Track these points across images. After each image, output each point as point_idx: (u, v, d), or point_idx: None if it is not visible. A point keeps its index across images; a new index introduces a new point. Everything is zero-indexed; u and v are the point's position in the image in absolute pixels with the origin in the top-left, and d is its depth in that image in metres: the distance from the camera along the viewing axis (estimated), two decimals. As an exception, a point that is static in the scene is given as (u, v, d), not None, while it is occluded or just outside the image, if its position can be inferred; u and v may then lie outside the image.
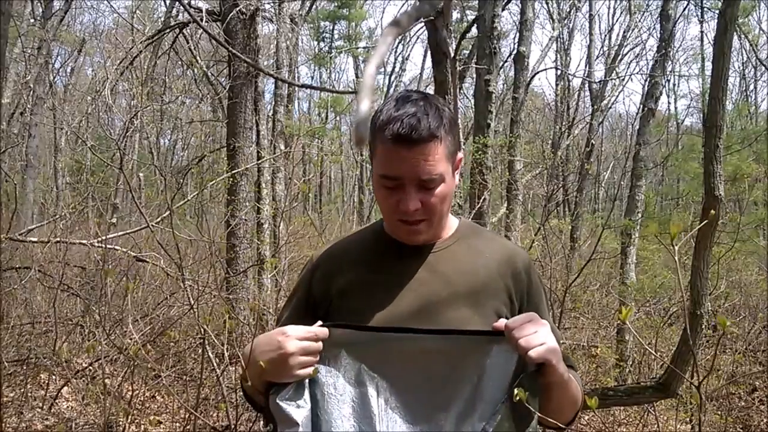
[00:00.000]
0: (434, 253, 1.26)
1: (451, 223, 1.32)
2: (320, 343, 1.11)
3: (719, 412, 4.55)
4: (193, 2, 8.37)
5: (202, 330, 3.04)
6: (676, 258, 1.20)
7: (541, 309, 1.27)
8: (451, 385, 1.11)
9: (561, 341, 1.30)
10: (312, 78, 24.11)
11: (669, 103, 27.64)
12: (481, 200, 5.23)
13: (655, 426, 4.07)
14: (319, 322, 1.14)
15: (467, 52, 10.33)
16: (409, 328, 1.13)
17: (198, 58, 8.42)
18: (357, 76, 22.66)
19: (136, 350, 2.79)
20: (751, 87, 19.97)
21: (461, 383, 1.11)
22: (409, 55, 24.14)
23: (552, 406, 1.14)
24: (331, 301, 1.24)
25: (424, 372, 1.12)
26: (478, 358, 1.11)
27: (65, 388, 4.36)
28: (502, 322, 1.12)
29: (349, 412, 1.11)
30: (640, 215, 6.75)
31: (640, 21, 15.89)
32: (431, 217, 1.20)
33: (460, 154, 1.25)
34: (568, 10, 14.93)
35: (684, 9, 10.67)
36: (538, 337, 1.07)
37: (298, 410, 1.09)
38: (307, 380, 1.11)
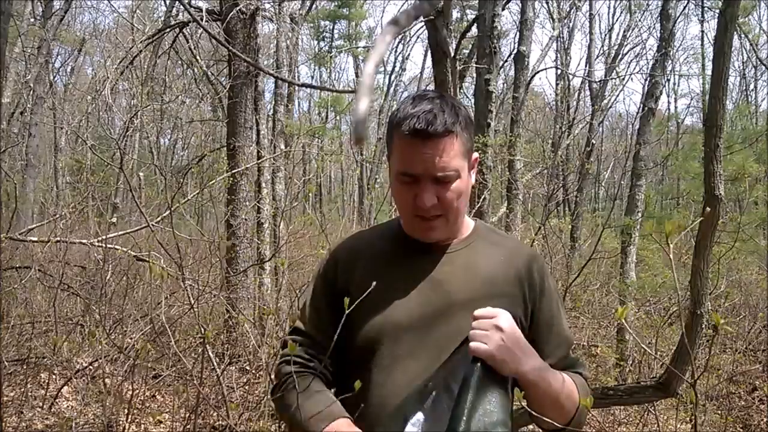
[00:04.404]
0: (450, 254, 1.27)
1: (468, 224, 1.33)
2: None
3: (719, 412, 4.55)
4: (193, 2, 8.37)
5: (202, 329, 3.04)
6: (671, 256, 1.21)
7: (554, 311, 1.29)
8: None
9: (572, 346, 1.32)
10: (312, 77, 24.14)
11: (669, 102, 27.70)
12: (481, 200, 5.23)
13: (655, 426, 4.07)
14: None
15: (467, 51, 10.32)
16: None
17: (198, 57, 8.41)
18: (357, 76, 22.66)
19: (142, 347, 2.79)
20: (752, 86, 20.00)
21: None
22: (409, 54, 24.18)
23: (530, 405, 1.18)
24: (351, 295, 1.24)
25: None
26: None
27: (65, 387, 4.36)
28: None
29: None
30: (640, 215, 6.74)
31: (640, 20, 15.94)
32: (447, 214, 1.21)
33: (475, 154, 1.27)
34: (568, 9, 14.93)
35: (684, 8, 10.66)
36: (485, 335, 1.12)
37: None
38: None
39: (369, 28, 30.08)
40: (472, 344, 1.10)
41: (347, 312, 1.22)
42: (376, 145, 18.31)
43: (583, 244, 8.64)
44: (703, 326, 2.43)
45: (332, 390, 1.23)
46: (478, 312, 1.14)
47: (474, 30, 7.51)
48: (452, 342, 1.18)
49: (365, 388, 1.18)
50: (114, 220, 8.22)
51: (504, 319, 1.13)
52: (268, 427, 3.55)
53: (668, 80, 17.36)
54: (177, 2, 8.11)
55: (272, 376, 1.47)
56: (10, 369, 4.48)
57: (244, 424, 3.47)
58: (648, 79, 8.28)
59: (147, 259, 5.25)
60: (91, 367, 4.53)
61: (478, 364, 1.11)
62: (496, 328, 1.11)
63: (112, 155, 12.19)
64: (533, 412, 1.17)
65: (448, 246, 1.28)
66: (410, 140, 1.16)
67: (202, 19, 5.92)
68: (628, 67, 16.99)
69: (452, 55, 2.42)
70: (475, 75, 6.37)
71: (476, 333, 1.12)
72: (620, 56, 15.51)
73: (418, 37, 21.82)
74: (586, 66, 15.53)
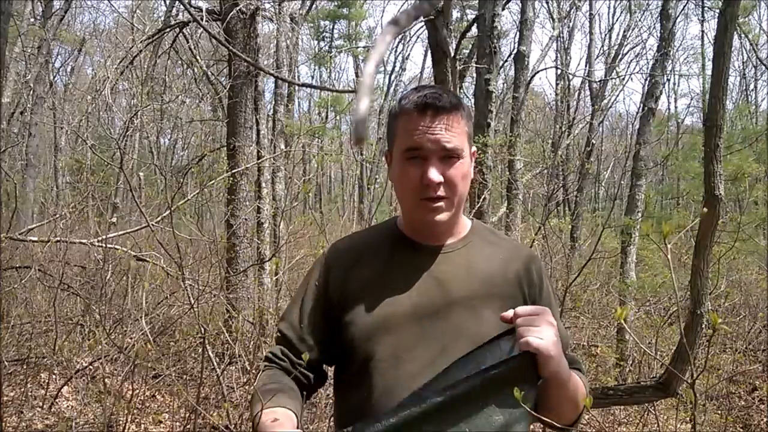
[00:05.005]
0: (448, 253, 1.27)
1: (465, 224, 1.32)
2: None
3: (719, 412, 4.56)
4: (193, 1, 8.37)
5: (202, 329, 3.04)
6: (668, 256, 1.21)
7: (553, 312, 1.27)
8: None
9: (570, 346, 1.31)
10: (312, 77, 24.15)
11: (669, 102, 27.72)
12: (481, 200, 5.22)
13: (655, 426, 4.07)
14: None
15: (467, 51, 10.32)
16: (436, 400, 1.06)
17: (198, 57, 8.41)
18: (357, 76, 22.66)
19: (141, 349, 2.79)
20: (752, 86, 20.01)
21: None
22: (409, 54, 24.20)
23: (550, 404, 1.15)
24: (347, 297, 1.24)
25: None
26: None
27: (65, 387, 4.37)
28: (510, 312, 1.12)
29: None
30: (640, 215, 6.74)
31: (640, 20, 15.95)
32: (452, 196, 1.21)
33: (473, 148, 1.28)
34: (568, 9, 14.93)
35: (684, 8, 10.66)
36: (539, 330, 1.08)
37: None
38: None
39: (369, 28, 30.11)
40: (530, 339, 1.06)
41: (346, 314, 1.22)
42: (376, 145, 18.31)
43: (583, 244, 8.63)
44: (703, 326, 2.43)
45: (313, 385, 1.29)
46: (521, 309, 1.11)
47: (474, 30, 7.51)
48: (454, 338, 1.17)
49: (370, 382, 1.18)
50: (114, 220, 8.22)
51: (552, 315, 1.12)
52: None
53: (668, 80, 17.39)
54: (177, 2, 8.11)
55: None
56: (10, 369, 4.48)
57: (244, 424, 3.47)
58: (648, 79, 8.28)
59: (147, 259, 5.26)
60: (91, 367, 4.53)
61: (526, 357, 1.07)
62: (549, 324, 1.09)
63: (112, 155, 12.19)
64: (543, 413, 1.15)
65: (446, 246, 1.27)
66: (418, 115, 1.18)
67: (202, 19, 5.92)
68: (628, 67, 17.01)
69: (452, 55, 2.42)
70: (475, 75, 6.37)
71: (528, 329, 1.08)
72: (620, 56, 15.51)
73: (418, 37, 21.83)
74: (586, 66, 15.54)
